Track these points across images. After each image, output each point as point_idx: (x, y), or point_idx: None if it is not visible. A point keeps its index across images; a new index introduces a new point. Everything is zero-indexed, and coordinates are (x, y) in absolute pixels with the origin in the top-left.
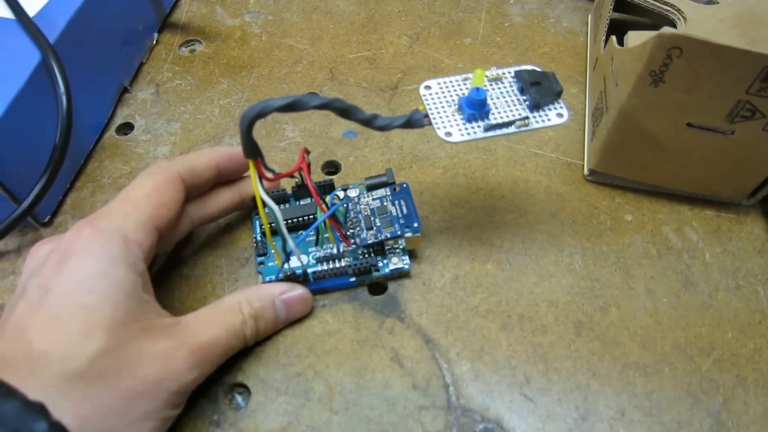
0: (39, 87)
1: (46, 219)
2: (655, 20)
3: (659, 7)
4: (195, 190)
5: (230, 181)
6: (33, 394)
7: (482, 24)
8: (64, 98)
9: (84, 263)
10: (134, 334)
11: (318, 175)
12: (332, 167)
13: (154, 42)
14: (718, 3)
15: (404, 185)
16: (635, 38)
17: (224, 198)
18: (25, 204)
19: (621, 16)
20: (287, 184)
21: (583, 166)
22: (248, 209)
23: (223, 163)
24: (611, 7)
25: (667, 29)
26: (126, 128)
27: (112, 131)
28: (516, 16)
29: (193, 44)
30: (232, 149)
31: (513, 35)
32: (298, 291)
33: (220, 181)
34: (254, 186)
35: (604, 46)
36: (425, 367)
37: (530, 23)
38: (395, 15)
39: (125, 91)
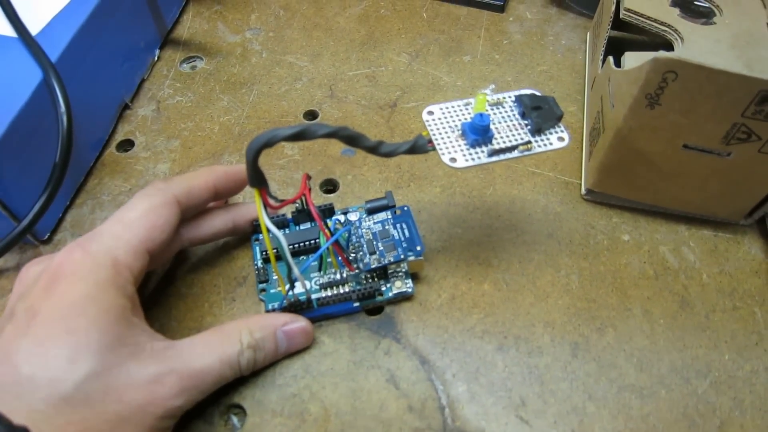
0: (40, 106)
1: (46, 236)
2: (654, 38)
3: (656, 27)
4: (190, 211)
5: (225, 205)
6: (18, 418)
7: (481, 41)
8: (64, 117)
9: (73, 287)
10: (122, 359)
11: (316, 194)
12: (330, 185)
13: (156, 58)
14: (715, 23)
15: (405, 208)
16: (632, 59)
17: (218, 222)
18: (25, 222)
19: (619, 34)
20: (287, 209)
21: (581, 185)
22: (240, 235)
23: (220, 183)
24: (609, 26)
25: (662, 53)
26: (126, 145)
27: (112, 148)
28: (515, 34)
29: (194, 60)
30: (229, 169)
31: (512, 53)
32: (301, 323)
33: (216, 200)
34: (259, 215)
35: (602, 66)
36: (421, 388)
37: (529, 41)
38: (395, 32)
39: (126, 107)
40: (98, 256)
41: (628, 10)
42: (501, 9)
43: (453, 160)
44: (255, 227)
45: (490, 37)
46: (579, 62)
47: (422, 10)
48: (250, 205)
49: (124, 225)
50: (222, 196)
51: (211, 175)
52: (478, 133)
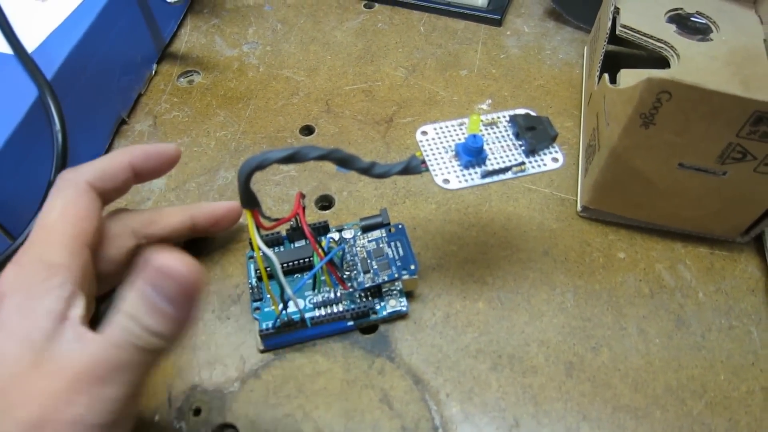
0: (35, 124)
1: None
2: (652, 53)
3: (652, 44)
4: (112, 194)
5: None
6: None
7: (478, 56)
8: (59, 136)
9: (7, 306)
10: (24, 369)
11: (311, 210)
12: (326, 201)
13: (153, 73)
14: (712, 40)
15: (400, 226)
16: (627, 77)
17: (174, 219)
18: (20, 240)
19: (617, 49)
20: (281, 226)
21: (577, 202)
22: (203, 236)
23: (138, 163)
24: (606, 42)
25: (656, 73)
26: None
27: None
28: (512, 48)
29: (191, 75)
30: (148, 147)
31: (509, 67)
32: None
33: (141, 182)
34: (252, 235)
35: (598, 82)
36: (414, 408)
37: (526, 55)
38: (392, 46)
39: (123, 122)
40: (30, 266)
41: (624, 26)
42: (498, 23)
43: (446, 181)
44: (250, 243)
45: (487, 52)
46: (576, 77)
47: (419, 24)
48: (211, 203)
49: (47, 229)
50: (144, 177)
51: (126, 155)
52: (472, 154)
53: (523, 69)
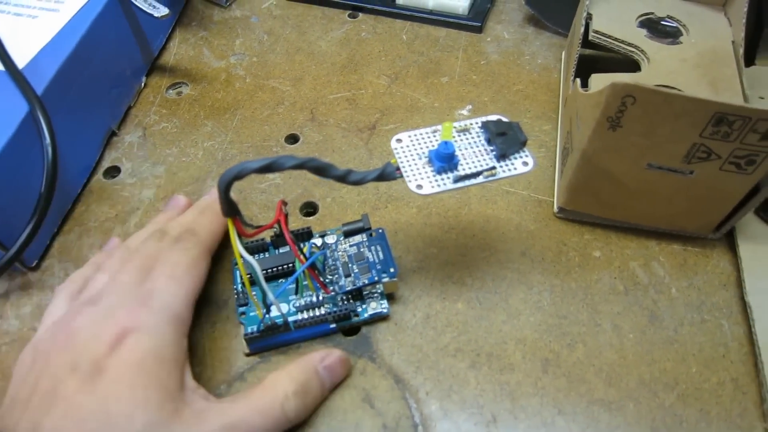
0: (26, 138)
1: (34, 263)
2: (626, 56)
3: (624, 48)
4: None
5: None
6: None
7: (459, 62)
8: (49, 149)
9: (138, 345)
10: (167, 417)
11: (296, 217)
12: (310, 208)
13: (142, 85)
14: (681, 43)
15: (380, 231)
16: (598, 81)
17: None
18: (13, 250)
19: (594, 53)
20: (266, 233)
21: (554, 203)
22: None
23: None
24: (579, 47)
25: (620, 79)
26: (113, 171)
27: (99, 175)
28: (492, 54)
29: (180, 87)
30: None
31: (489, 73)
32: (337, 354)
33: None
34: (233, 242)
35: (572, 87)
36: (395, 407)
37: (506, 60)
38: (375, 55)
39: (113, 134)
40: (161, 314)
41: (597, 31)
42: (479, 30)
43: (420, 186)
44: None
45: (468, 58)
46: (554, 81)
47: (402, 33)
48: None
49: (176, 281)
50: None
51: (223, 219)
52: (444, 160)
53: (503, 74)
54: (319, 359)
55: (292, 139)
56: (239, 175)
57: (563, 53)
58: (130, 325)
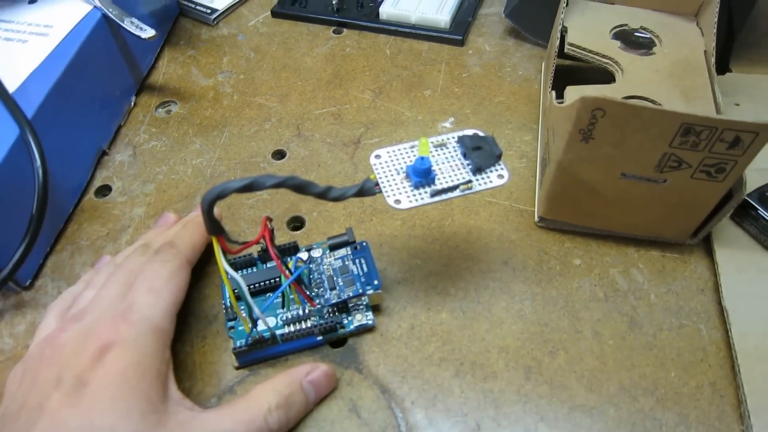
0: (18, 160)
1: (27, 283)
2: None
3: (598, 60)
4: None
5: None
6: None
7: (442, 75)
8: (40, 171)
9: (120, 358)
10: (150, 428)
11: (284, 232)
12: (298, 222)
13: (132, 104)
14: (654, 54)
15: (364, 244)
16: (573, 93)
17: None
18: (6, 270)
19: (573, 64)
20: (254, 248)
21: (534, 212)
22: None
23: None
24: (555, 60)
25: (589, 93)
26: (104, 190)
27: (91, 194)
28: (474, 67)
29: (169, 105)
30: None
31: (471, 85)
32: (322, 369)
33: None
34: (218, 260)
35: (549, 99)
36: (381, 416)
37: (487, 73)
38: (360, 70)
39: (104, 154)
40: (140, 325)
41: (572, 44)
42: (461, 43)
43: (398, 201)
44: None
45: (450, 71)
46: (535, 92)
47: (386, 47)
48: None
49: (155, 293)
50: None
51: (203, 235)
52: (420, 175)
53: (485, 86)
54: (304, 373)
55: (279, 154)
56: (221, 195)
57: (543, 64)
58: (111, 339)
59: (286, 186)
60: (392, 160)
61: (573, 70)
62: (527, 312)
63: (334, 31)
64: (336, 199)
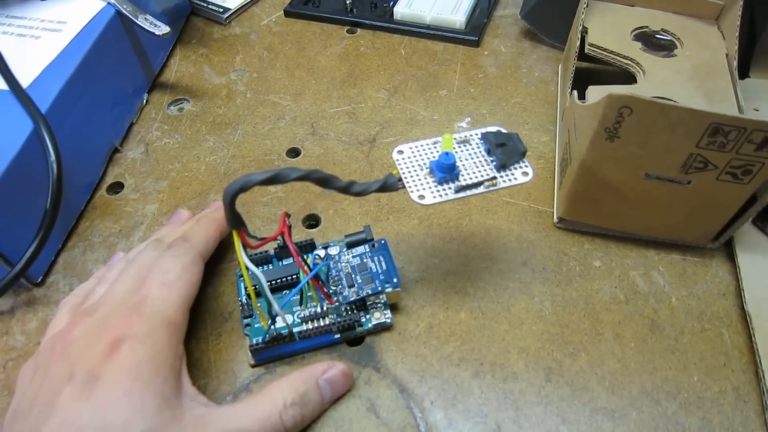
0: (31, 155)
1: (39, 279)
2: (623, 68)
3: (619, 61)
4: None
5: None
6: None
7: (457, 76)
8: (54, 166)
9: (133, 352)
10: (165, 423)
11: (299, 229)
12: (313, 220)
13: (144, 102)
14: (676, 56)
15: (382, 241)
16: (595, 93)
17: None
18: (18, 267)
19: (590, 65)
20: (269, 245)
21: (553, 213)
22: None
23: (223, 230)
24: (575, 60)
25: (616, 91)
26: (116, 187)
27: (103, 190)
28: (490, 68)
29: (181, 103)
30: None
31: (487, 86)
32: (339, 367)
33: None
34: (238, 254)
35: (569, 99)
36: (400, 416)
37: (503, 74)
38: (374, 69)
39: (116, 151)
40: (153, 320)
41: (592, 44)
42: (476, 44)
43: (422, 197)
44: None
45: (466, 72)
46: (551, 93)
47: (400, 47)
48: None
49: (168, 287)
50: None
51: (218, 226)
52: (445, 171)
53: (501, 87)
54: (321, 371)
55: (294, 152)
56: (244, 188)
57: (560, 66)
58: (123, 333)
59: (309, 179)
60: (415, 156)
61: (591, 72)
62: (547, 313)
63: (347, 31)
64: (359, 194)
